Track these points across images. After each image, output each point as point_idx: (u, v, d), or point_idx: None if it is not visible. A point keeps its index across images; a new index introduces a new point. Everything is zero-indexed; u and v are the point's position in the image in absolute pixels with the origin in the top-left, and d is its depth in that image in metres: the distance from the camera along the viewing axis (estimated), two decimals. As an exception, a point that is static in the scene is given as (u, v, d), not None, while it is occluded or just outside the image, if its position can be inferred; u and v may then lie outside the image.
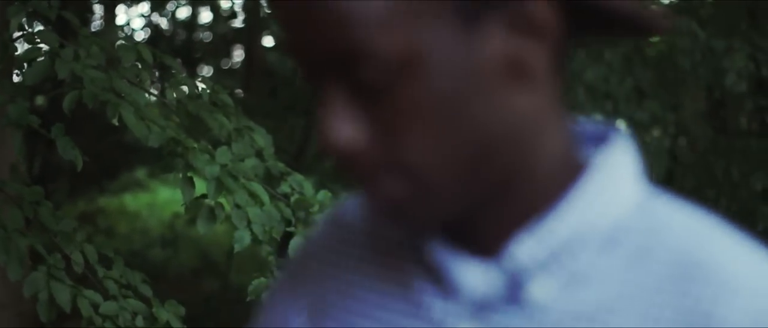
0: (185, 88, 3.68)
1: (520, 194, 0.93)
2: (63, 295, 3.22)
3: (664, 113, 8.21)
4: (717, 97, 9.81)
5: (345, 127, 0.87)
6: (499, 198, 0.93)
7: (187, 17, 20.37)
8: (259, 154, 3.71)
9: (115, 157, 12.66)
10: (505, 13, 0.86)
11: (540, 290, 0.92)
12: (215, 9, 19.34)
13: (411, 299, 0.98)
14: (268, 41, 20.94)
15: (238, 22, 20.38)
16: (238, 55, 22.54)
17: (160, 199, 14.57)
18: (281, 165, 3.73)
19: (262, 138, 3.76)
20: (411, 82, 0.85)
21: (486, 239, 0.95)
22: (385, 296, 1.00)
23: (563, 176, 0.94)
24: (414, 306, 0.97)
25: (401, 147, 0.87)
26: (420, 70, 0.85)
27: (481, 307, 0.93)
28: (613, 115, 8.59)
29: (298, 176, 3.69)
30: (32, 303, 3.29)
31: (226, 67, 22.57)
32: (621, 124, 9.00)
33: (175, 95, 3.62)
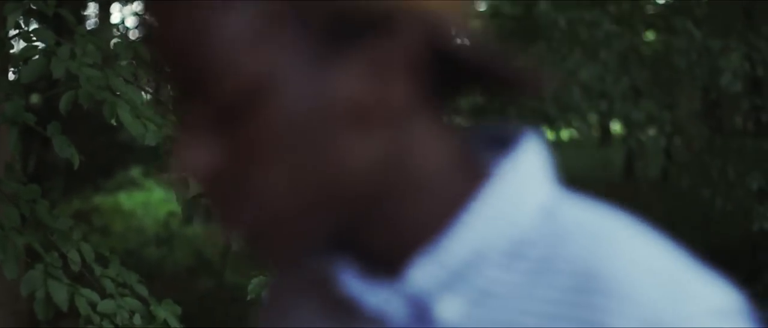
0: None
1: (406, 216, 0.92)
2: (60, 293, 3.21)
3: (660, 112, 8.21)
4: (713, 97, 9.82)
5: (198, 151, 0.86)
6: (381, 223, 0.92)
7: (182, 16, 20.39)
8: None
9: (110, 155, 12.67)
10: (364, 51, 0.85)
11: (447, 310, 0.91)
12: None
13: None
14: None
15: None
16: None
17: (155, 198, 14.57)
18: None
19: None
20: (263, 110, 0.84)
21: (389, 262, 0.93)
22: None
23: (459, 190, 0.92)
24: None
25: (251, 175, 0.86)
26: (273, 99, 0.84)
27: None
28: (608, 114, 8.60)
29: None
30: (29, 302, 3.28)
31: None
32: (616, 123, 9.00)
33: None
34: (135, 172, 15.18)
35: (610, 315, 0.86)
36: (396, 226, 0.92)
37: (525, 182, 0.93)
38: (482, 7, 16.01)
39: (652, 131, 8.54)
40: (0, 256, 3.14)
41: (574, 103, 8.02)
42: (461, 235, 0.91)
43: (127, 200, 14.74)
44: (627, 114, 8.15)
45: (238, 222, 0.89)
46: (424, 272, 0.91)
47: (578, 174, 20.16)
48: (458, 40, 0.89)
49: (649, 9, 9.92)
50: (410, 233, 0.92)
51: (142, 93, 3.56)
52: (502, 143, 0.97)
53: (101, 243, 3.75)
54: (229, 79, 0.83)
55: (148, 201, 14.64)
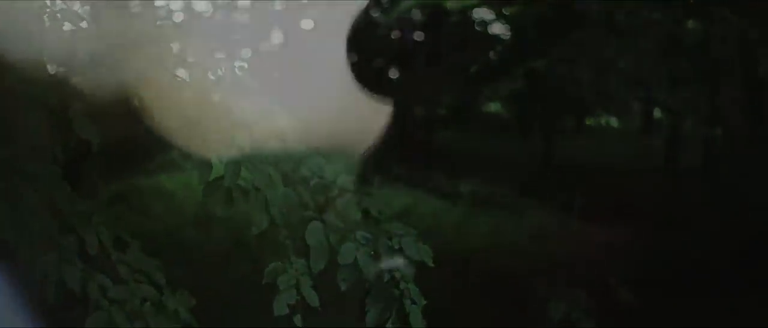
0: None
1: None
2: (73, 277, 3.18)
3: (699, 102, 8.15)
4: (752, 86, 9.73)
5: None
6: None
7: (226, -1, 20.39)
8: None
9: (150, 136, 12.67)
10: None
11: None
12: (254, -9, 19.34)
13: None
14: (306, 25, 20.96)
15: (276, 6, 20.39)
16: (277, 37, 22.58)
17: (196, 180, 14.53)
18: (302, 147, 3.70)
19: (284, 120, 3.73)
20: None
21: None
22: None
23: None
24: None
25: None
26: None
27: None
28: (648, 102, 8.55)
29: (319, 159, 3.65)
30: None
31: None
32: (659, 111, 8.94)
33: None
34: (175, 154, 15.17)
35: None
36: None
37: None
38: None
39: (691, 121, 8.49)
40: (17, 238, 3.14)
41: (612, 91, 7.98)
42: None
43: (168, 181, 14.69)
44: (665, 102, 8.09)
45: None
46: None
47: (619, 162, 20.00)
48: None
49: (690, -4, 9.83)
50: None
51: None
52: None
53: (136, 225, 3.74)
54: None
55: (190, 183, 14.60)
